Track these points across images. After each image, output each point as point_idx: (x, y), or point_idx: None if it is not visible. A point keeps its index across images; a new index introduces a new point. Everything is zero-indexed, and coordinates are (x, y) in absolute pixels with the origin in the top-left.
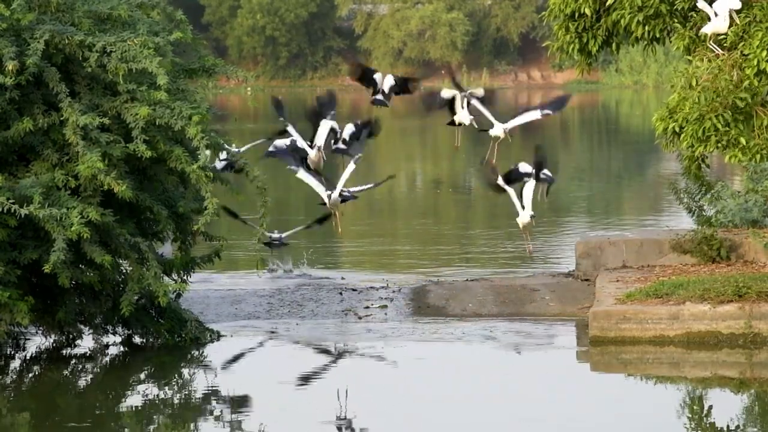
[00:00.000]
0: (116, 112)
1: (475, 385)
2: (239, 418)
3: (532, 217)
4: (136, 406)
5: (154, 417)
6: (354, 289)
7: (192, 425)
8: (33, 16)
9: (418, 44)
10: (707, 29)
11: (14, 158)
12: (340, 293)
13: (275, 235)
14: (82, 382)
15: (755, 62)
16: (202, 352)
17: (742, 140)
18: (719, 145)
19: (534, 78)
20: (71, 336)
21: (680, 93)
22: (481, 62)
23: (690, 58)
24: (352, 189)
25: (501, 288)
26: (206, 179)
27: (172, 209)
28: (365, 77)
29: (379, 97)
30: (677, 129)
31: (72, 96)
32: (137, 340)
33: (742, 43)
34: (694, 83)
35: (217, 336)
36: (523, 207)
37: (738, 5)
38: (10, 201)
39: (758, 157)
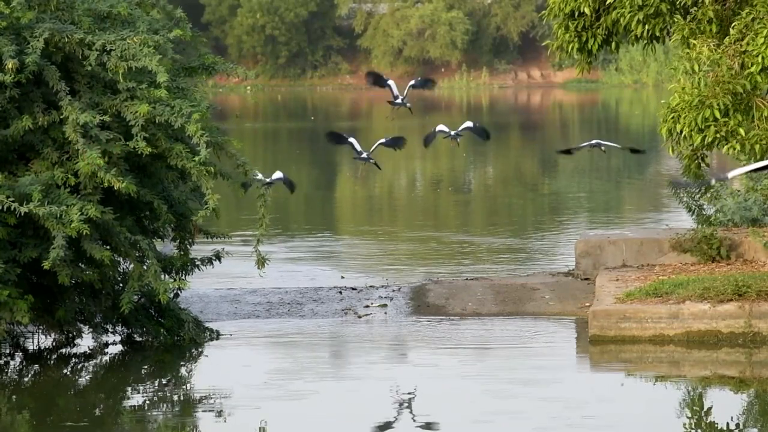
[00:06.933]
0: (116, 110)
1: (473, 384)
2: (238, 417)
3: None
4: (136, 405)
5: (154, 416)
6: (354, 289)
7: (191, 424)
8: (33, 14)
9: (418, 43)
10: None
11: (14, 157)
12: (340, 292)
13: (363, 155)
14: (81, 381)
15: (759, 59)
16: (201, 351)
17: (741, 131)
18: (717, 135)
19: (534, 77)
20: (71, 335)
21: (682, 79)
22: (480, 61)
23: (693, 41)
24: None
25: (501, 287)
26: (207, 175)
27: (172, 208)
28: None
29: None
30: (681, 129)
31: (72, 94)
32: (136, 339)
33: (745, 40)
34: (696, 68)
35: (216, 335)
36: None
37: None
38: (10, 199)
39: (757, 147)
